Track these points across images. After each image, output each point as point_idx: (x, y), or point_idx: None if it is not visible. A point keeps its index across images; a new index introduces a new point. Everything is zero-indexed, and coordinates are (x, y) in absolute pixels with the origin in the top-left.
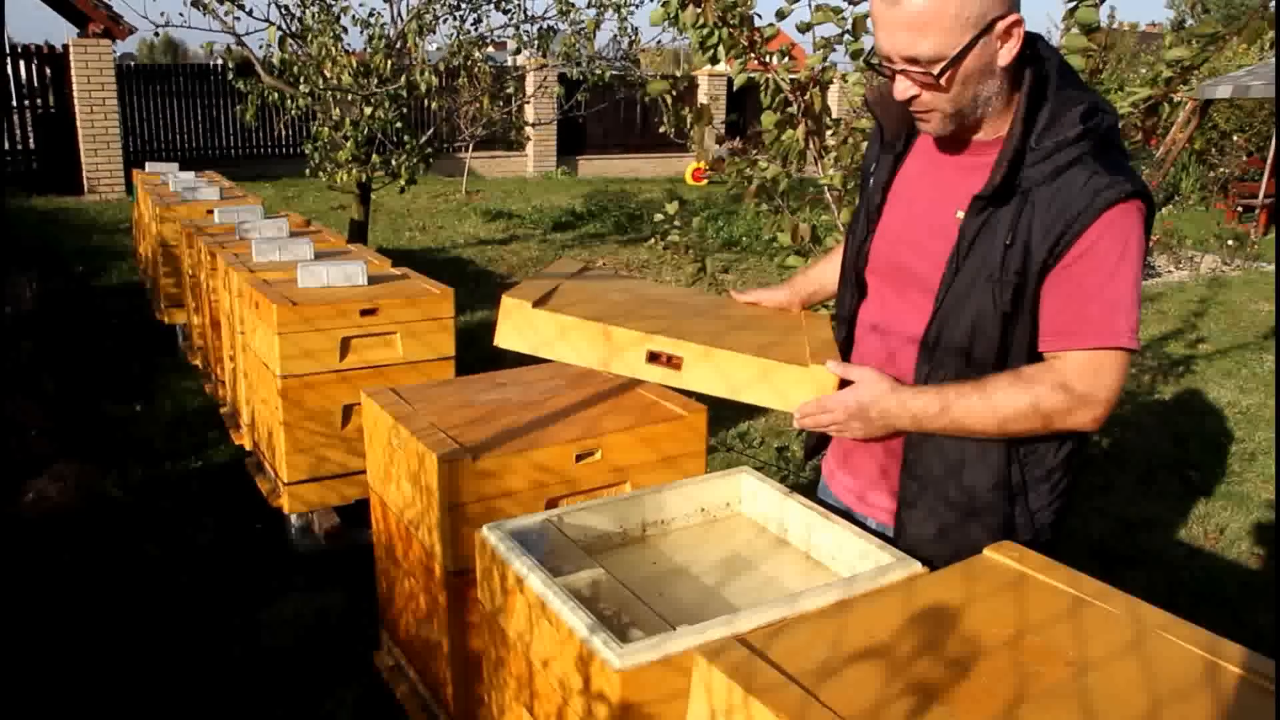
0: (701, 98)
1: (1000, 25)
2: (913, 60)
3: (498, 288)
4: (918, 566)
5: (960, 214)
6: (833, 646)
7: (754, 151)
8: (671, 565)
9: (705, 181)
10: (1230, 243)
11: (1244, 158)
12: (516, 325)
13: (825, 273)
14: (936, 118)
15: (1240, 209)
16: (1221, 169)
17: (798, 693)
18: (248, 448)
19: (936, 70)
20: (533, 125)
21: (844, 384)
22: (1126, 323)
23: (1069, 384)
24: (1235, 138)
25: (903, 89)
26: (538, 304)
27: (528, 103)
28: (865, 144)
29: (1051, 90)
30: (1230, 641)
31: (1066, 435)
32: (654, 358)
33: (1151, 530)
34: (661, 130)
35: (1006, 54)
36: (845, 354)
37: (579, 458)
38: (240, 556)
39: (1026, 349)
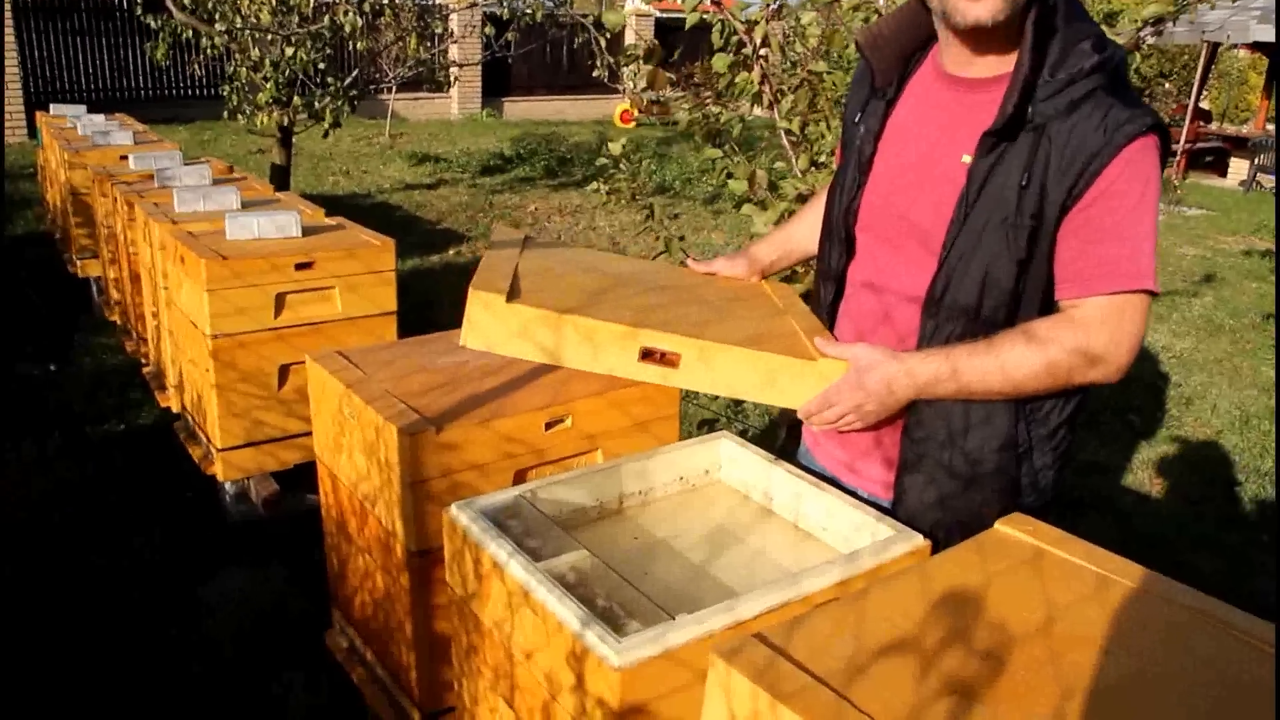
0: (630, 36)
1: None
2: None
3: (428, 233)
4: (919, 539)
5: (966, 158)
6: (856, 640)
7: (705, 94)
8: (653, 540)
9: (634, 124)
10: None
11: (1173, 105)
12: (486, 322)
13: (791, 239)
14: None
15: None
16: None
17: (829, 696)
18: (175, 410)
19: None
20: (459, 66)
21: None
22: (1149, 264)
23: (1090, 335)
24: (1166, 84)
25: None
26: (511, 297)
27: (455, 43)
28: (820, 87)
29: (1059, 22)
30: (1256, 619)
31: (1074, 390)
32: (647, 355)
33: (1101, 476)
34: (595, 73)
35: None
36: (834, 316)
37: (548, 425)
38: (171, 528)
39: (1039, 301)
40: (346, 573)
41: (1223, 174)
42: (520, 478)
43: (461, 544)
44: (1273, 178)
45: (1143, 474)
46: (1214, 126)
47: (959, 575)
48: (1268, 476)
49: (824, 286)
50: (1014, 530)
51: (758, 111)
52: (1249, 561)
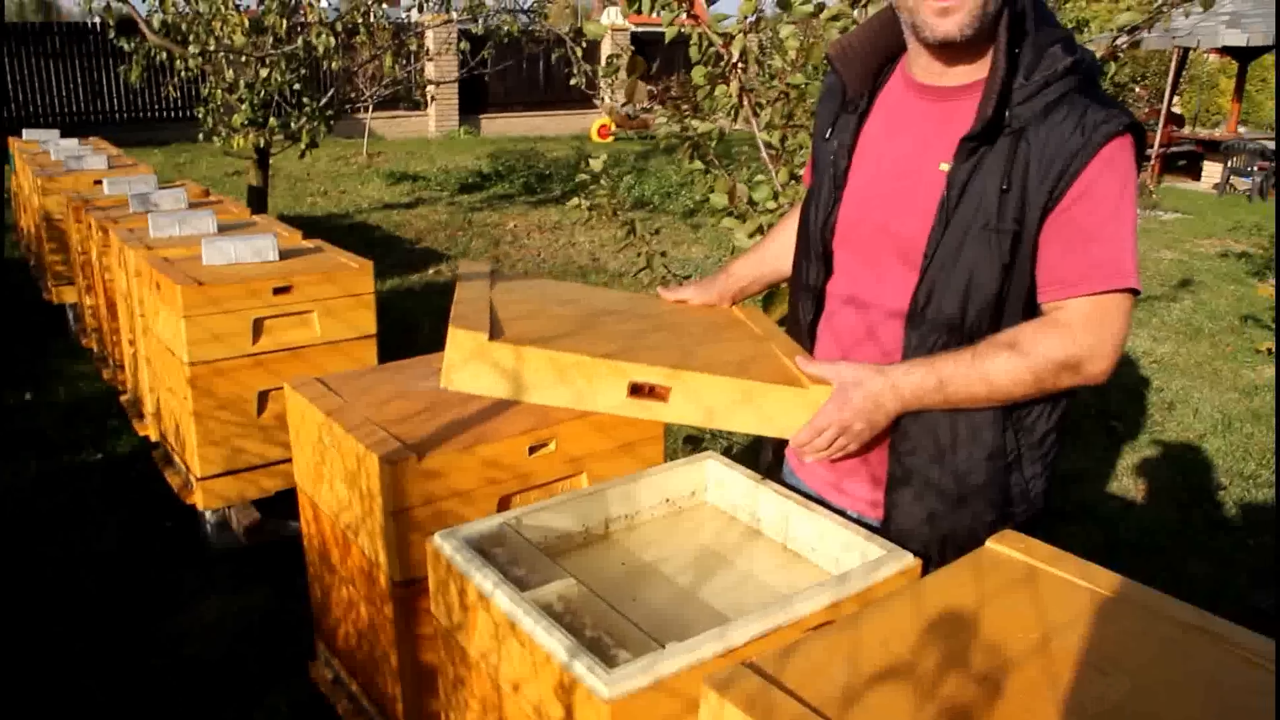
0: (606, 49)
1: None
2: None
3: (407, 253)
4: (909, 558)
5: (944, 165)
6: (850, 666)
7: (684, 107)
8: (640, 564)
9: (612, 139)
10: None
11: (1145, 110)
12: (469, 362)
13: (764, 260)
14: (966, 9)
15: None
16: None
17: None
18: (153, 438)
19: None
20: (435, 84)
21: None
22: (1131, 263)
23: (1075, 337)
24: (1136, 89)
25: None
26: (493, 335)
27: (430, 60)
28: (799, 100)
29: (1030, 24)
30: (1255, 634)
31: (1059, 397)
32: (636, 390)
33: (1085, 484)
34: (573, 82)
35: None
36: (814, 334)
37: (532, 450)
38: (151, 557)
39: (1022, 307)
40: (330, 603)
41: (1196, 177)
42: (504, 503)
43: (446, 574)
44: (1246, 180)
45: (1127, 480)
46: (1187, 130)
47: (952, 596)
48: (1251, 479)
49: (803, 305)
50: (1006, 548)
51: (737, 125)
52: (1237, 566)
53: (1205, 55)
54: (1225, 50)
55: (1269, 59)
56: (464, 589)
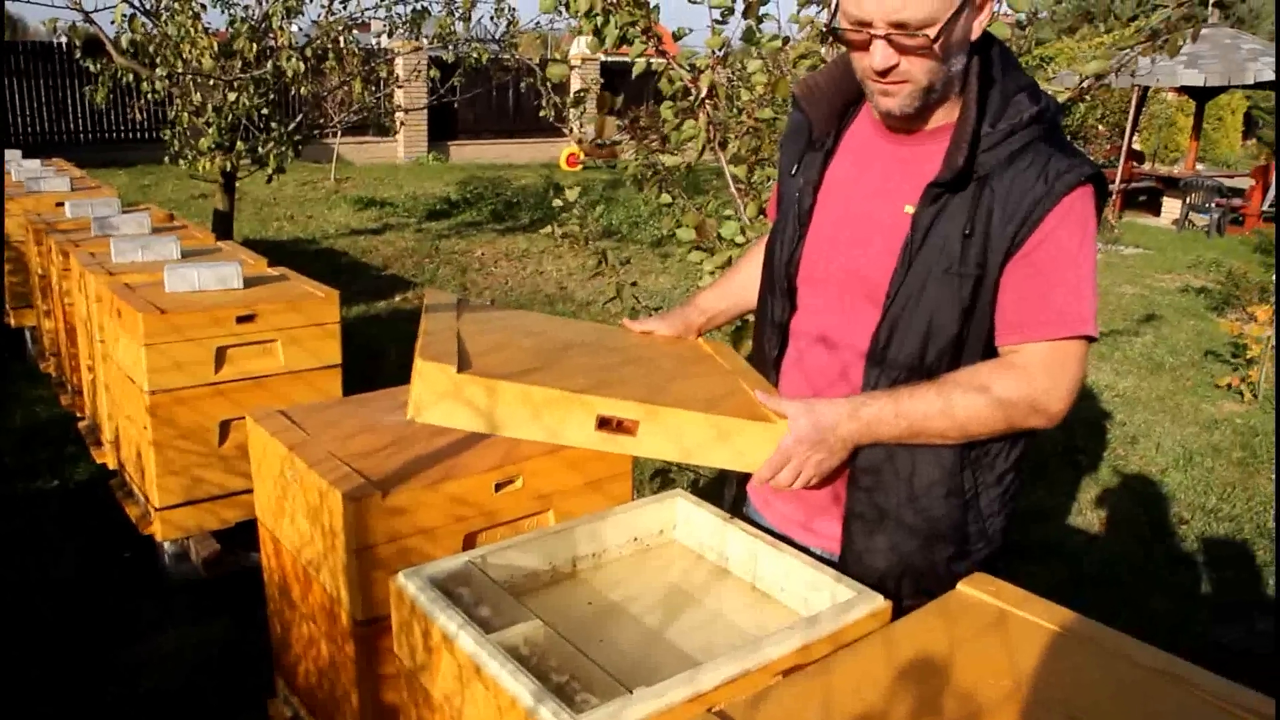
0: (575, 82)
1: None
2: (900, 25)
3: (374, 279)
4: (879, 600)
5: (909, 208)
6: (823, 713)
7: (651, 139)
8: (608, 603)
9: (580, 167)
10: None
11: (1107, 146)
12: (436, 394)
13: (729, 294)
14: (907, 91)
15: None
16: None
17: None
18: (111, 466)
19: (932, 33)
20: (405, 110)
21: None
22: (1089, 310)
23: (1030, 380)
24: (1099, 126)
25: (883, 58)
26: (461, 368)
27: (400, 87)
28: (767, 133)
29: (997, 72)
30: (1219, 678)
31: (1018, 437)
32: (604, 423)
33: (1049, 518)
34: (542, 113)
35: (978, 28)
36: (778, 368)
37: (498, 486)
38: (109, 586)
39: (982, 350)
40: (290, 639)
41: (1156, 213)
42: (470, 541)
43: (409, 614)
44: (1205, 216)
45: (1091, 514)
46: (1147, 167)
47: (924, 641)
48: (1212, 514)
49: (768, 340)
50: (976, 591)
51: (706, 156)
52: (1198, 601)
53: (1164, 94)
54: (1183, 89)
55: (1224, 99)
56: (428, 630)
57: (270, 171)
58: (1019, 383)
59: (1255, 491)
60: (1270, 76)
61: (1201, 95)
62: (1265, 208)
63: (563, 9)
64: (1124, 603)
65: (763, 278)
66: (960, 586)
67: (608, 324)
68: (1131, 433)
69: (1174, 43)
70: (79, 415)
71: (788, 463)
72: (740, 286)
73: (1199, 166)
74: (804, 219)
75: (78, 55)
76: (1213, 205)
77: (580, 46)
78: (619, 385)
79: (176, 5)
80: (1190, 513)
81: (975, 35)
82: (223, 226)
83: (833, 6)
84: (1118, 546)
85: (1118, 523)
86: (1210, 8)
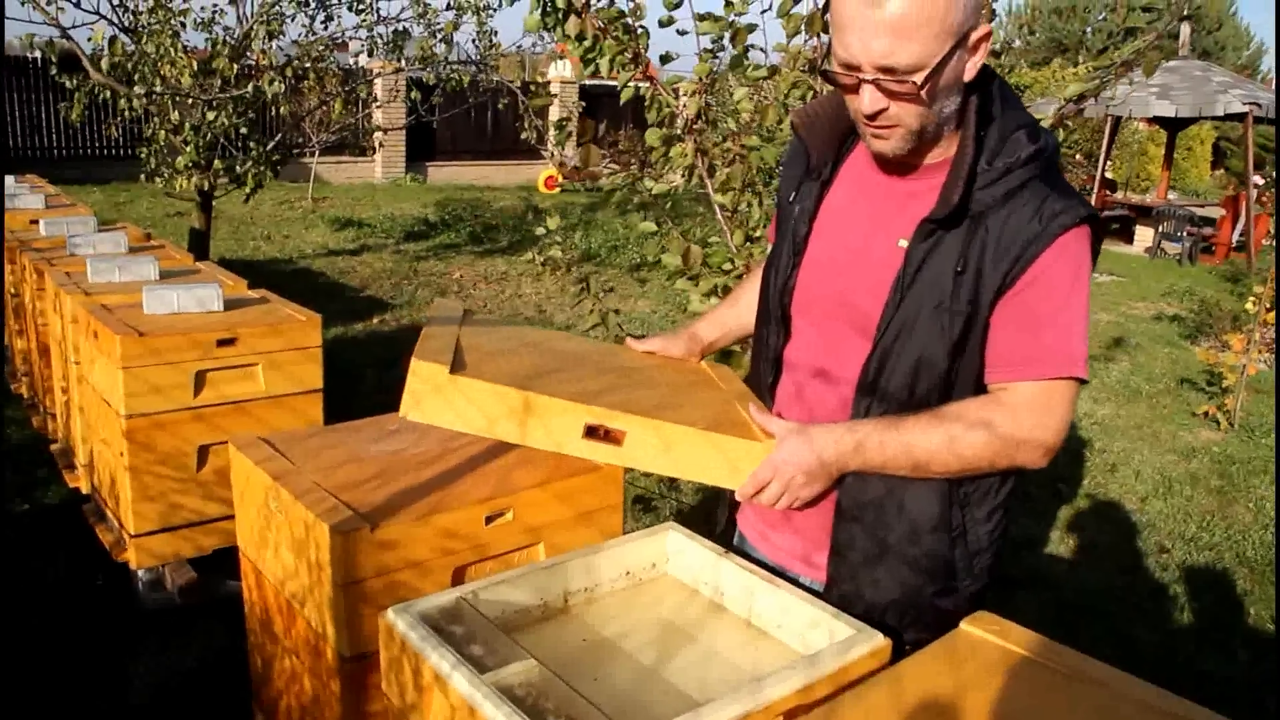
0: (554, 104)
1: (974, 36)
2: (888, 70)
3: (352, 301)
4: (879, 638)
5: (903, 242)
6: None
7: (633, 164)
8: (601, 639)
9: (558, 190)
10: None
11: (1083, 176)
12: (429, 394)
13: (726, 320)
14: (899, 134)
15: None
16: None
17: None
18: (85, 491)
19: (919, 79)
20: (384, 130)
21: None
22: (1079, 351)
23: (1016, 419)
24: (1076, 155)
25: (871, 101)
26: (455, 369)
27: (380, 107)
28: (756, 162)
29: (996, 109)
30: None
31: (1008, 473)
32: (591, 431)
33: (1032, 548)
34: (524, 135)
35: (973, 68)
36: (773, 394)
37: (489, 519)
38: (81, 614)
39: (972, 386)
40: (271, 674)
41: (1129, 241)
42: (459, 575)
43: (400, 651)
44: (1177, 244)
45: (1073, 543)
46: (1120, 195)
47: (931, 683)
48: (1192, 542)
49: (763, 367)
50: (981, 631)
51: (692, 183)
52: (1181, 631)
53: (1135, 124)
54: (1155, 120)
55: (1194, 130)
56: (419, 668)
57: (249, 191)
58: (1004, 420)
59: (1234, 520)
60: (1239, 109)
61: (1173, 126)
62: (1236, 237)
63: (545, 33)
64: (1109, 633)
65: (759, 303)
66: (964, 625)
67: (610, 342)
68: (1111, 460)
69: (1150, 63)
70: (51, 438)
71: (769, 482)
72: (735, 315)
73: (1170, 195)
74: (799, 247)
75: (54, 71)
76: (1184, 234)
77: (559, 69)
78: (610, 396)
79: (155, 24)
80: (1171, 541)
81: (970, 76)
82: (199, 246)
83: (820, 38)
84: (1101, 575)
85: (1100, 551)
86: (1181, 22)
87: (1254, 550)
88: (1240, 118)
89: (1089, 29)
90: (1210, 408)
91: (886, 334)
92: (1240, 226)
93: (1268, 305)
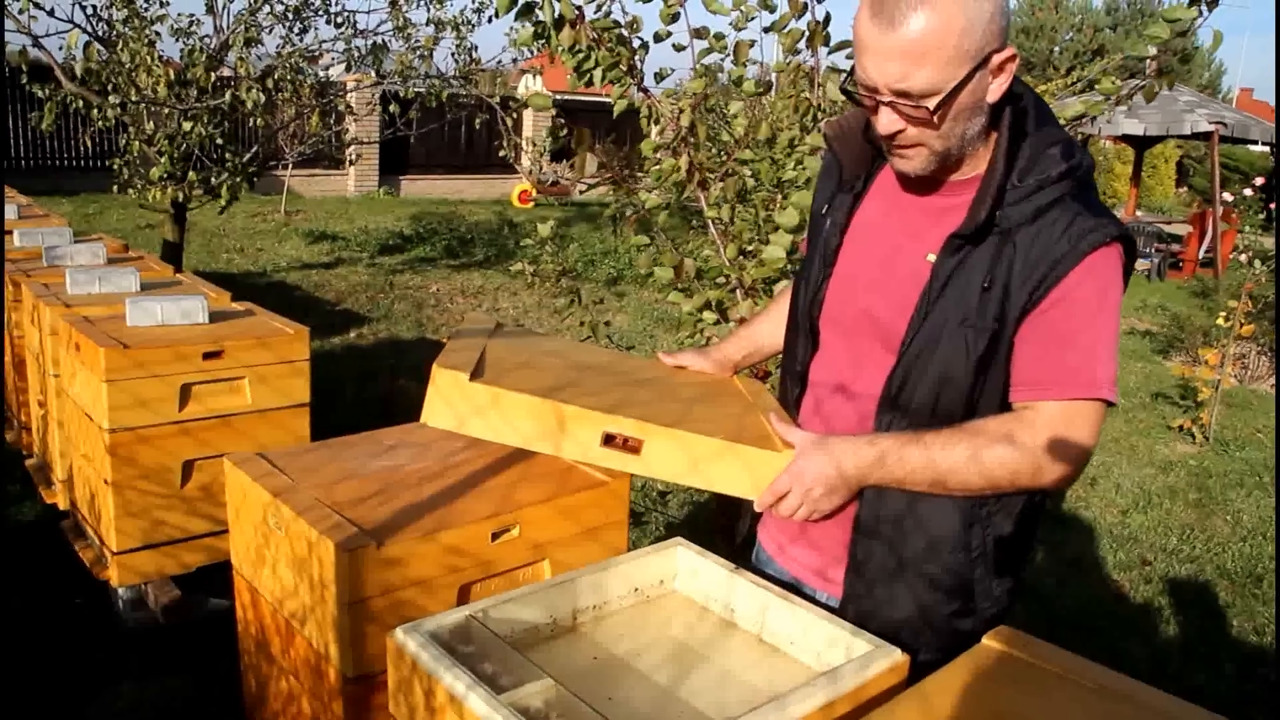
0: (528, 118)
1: (996, 59)
2: (903, 93)
3: (328, 314)
4: (897, 654)
5: (931, 256)
6: None
7: (625, 173)
8: (612, 658)
9: (532, 204)
10: None
11: None
12: (449, 400)
13: (756, 337)
14: (921, 155)
15: None
16: None
17: None
18: (63, 507)
19: (932, 104)
20: (359, 143)
21: None
22: (1105, 373)
23: (1037, 439)
24: None
25: (888, 123)
26: (474, 376)
27: (356, 120)
28: (750, 177)
29: (1030, 126)
30: None
31: (1032, 496)
32: (609, 440)
33: None
34: (502, 154)
35: (997, 90)
36: (799, 406)
37: (494, 536)
38: (59, 635)
39: (997, 403)
40: (267, 695)
41: None
42: (465, 592)
43: (410, 672)
44: (1146, 261)
45: (1059, 555)
46: None
47: (960, 698)
48: (1174, 555)
49: (790, 381)
50: (1002, 645)
51: (685, 196)
52: (1169, 644)
53: (1102, 141)
54: (1123, 138)
55: (1159, 148)
56: (431, 689)
57: (224, 203)
58: (1025, 440)
59: (1213, 533)
60: (1206, 128)
61: (1140, 144)
62: (1203, 253)
63: (538, 46)
64: (1107, 651)
65: (789, 315)
66: (985, 640)
67: (640, 356)
68: (1091, 474)
69: (1150, 90)
70: (26, 453)
71: (787, 492)
72: (767, 332)
73: (1139, 213)
74: (830, 260)
75: (24, 81)
76: (1153, 250)
77: (528, 84)
78: (630, 406)
79: (130, 33)
80: (1153, 554)
81: (994, 97)
82: (173, 258)
83: (816, 54)
84: (1089, 589)
85: (1086, 565)
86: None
87: (1233, 562)
88: (1206, 136)
89: (1057, 48)
90: (1185, 421)
91: (911, 349)
92: (1207, 243)
93: (1241, 320)
